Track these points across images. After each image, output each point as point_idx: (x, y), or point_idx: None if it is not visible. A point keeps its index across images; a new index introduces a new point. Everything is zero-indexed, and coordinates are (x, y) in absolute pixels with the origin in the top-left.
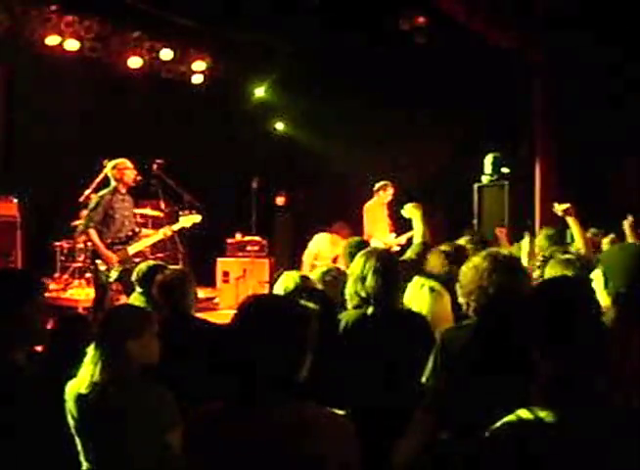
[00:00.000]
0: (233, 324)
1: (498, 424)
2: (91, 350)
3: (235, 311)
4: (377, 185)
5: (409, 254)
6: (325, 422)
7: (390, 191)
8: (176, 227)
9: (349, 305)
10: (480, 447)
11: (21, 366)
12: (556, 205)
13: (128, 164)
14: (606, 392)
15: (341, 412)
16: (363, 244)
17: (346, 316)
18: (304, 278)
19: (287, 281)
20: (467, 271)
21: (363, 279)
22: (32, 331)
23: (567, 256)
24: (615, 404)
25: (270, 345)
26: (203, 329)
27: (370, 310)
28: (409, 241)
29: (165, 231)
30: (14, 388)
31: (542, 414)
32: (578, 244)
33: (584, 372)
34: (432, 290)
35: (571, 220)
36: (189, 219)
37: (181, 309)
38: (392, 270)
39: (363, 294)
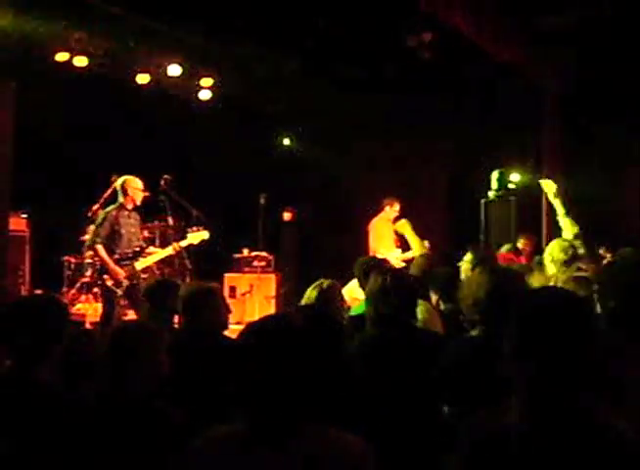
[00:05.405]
0: (241, 348)
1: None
2: (101, 367)
3: (242, 335)
4: (384, 201)
5: (413, 270)
6: (343, 447)
7: (397, 207)
8: (184, 244)
9: (368, 324)
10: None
11: None
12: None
13: (138, 182)
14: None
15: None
16: (376, 261)
17: (364, 334)
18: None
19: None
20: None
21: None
22: None
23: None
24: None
25: (282, 372)
26: (225, 346)
27: (390, 329)
28: None
29: (173, 247)
30: None
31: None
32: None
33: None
34: None
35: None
36: (197, 236)
37: (205, 326)
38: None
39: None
